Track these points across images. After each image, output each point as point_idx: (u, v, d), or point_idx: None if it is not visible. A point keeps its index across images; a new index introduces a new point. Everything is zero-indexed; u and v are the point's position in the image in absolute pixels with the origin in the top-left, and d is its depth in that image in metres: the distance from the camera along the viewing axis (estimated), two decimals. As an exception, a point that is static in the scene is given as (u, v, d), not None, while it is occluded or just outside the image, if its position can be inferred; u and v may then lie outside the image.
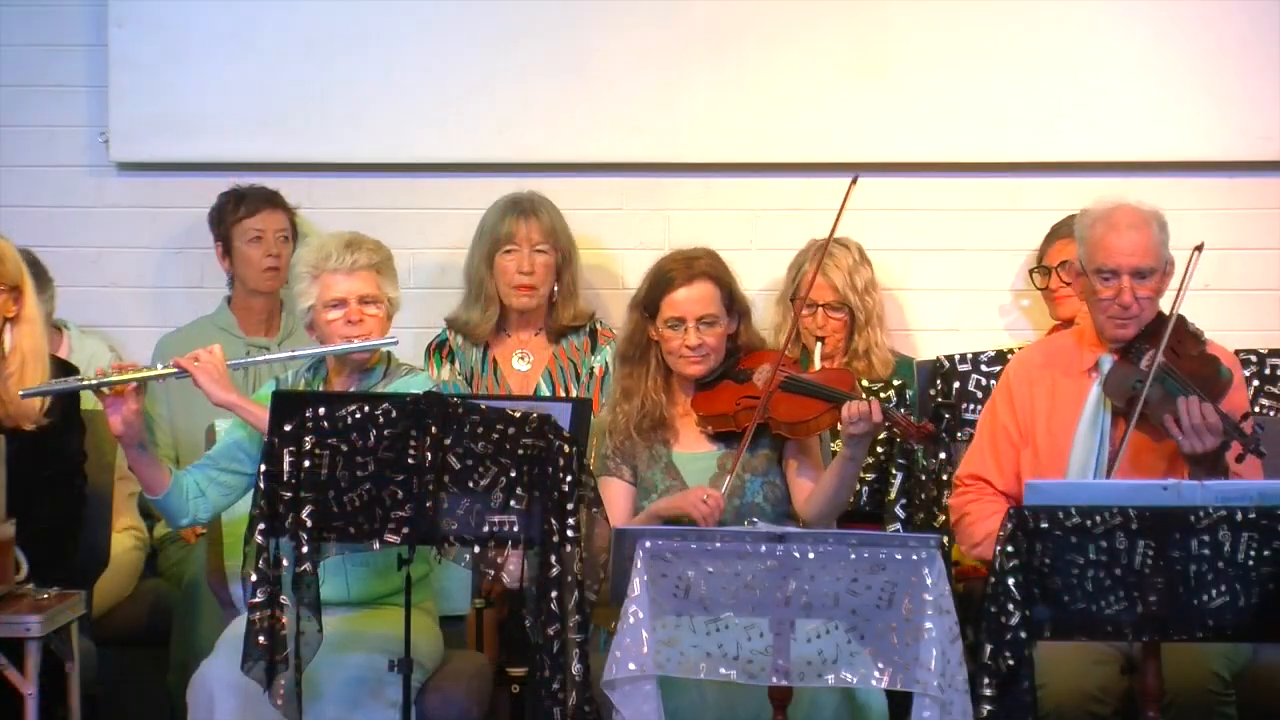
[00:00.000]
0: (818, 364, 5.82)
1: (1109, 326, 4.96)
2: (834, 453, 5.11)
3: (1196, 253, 4.87)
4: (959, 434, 5.61)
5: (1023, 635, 4.22)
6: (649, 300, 5.16)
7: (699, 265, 5.14)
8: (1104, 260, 4.92)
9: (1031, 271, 6.16)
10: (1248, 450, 4.71)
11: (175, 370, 4.95)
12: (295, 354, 5.13)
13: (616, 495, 5.06)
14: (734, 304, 5.17)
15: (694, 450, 5.14)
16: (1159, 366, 4.82)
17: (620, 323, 5.44)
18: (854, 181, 5.15)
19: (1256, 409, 5.74)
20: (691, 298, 5.10)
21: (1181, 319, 4.93)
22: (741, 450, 5.03)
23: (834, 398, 4.98)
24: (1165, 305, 4.96)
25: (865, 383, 5.80)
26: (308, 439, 4.35)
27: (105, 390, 4.84)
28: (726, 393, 5.13)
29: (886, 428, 5.04)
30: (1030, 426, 5.01)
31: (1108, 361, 4.97)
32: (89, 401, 5.10)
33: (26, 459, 4.87)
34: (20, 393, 4.93)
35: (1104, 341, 4.99)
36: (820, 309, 5.87)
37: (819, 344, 5.88)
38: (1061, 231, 5.97)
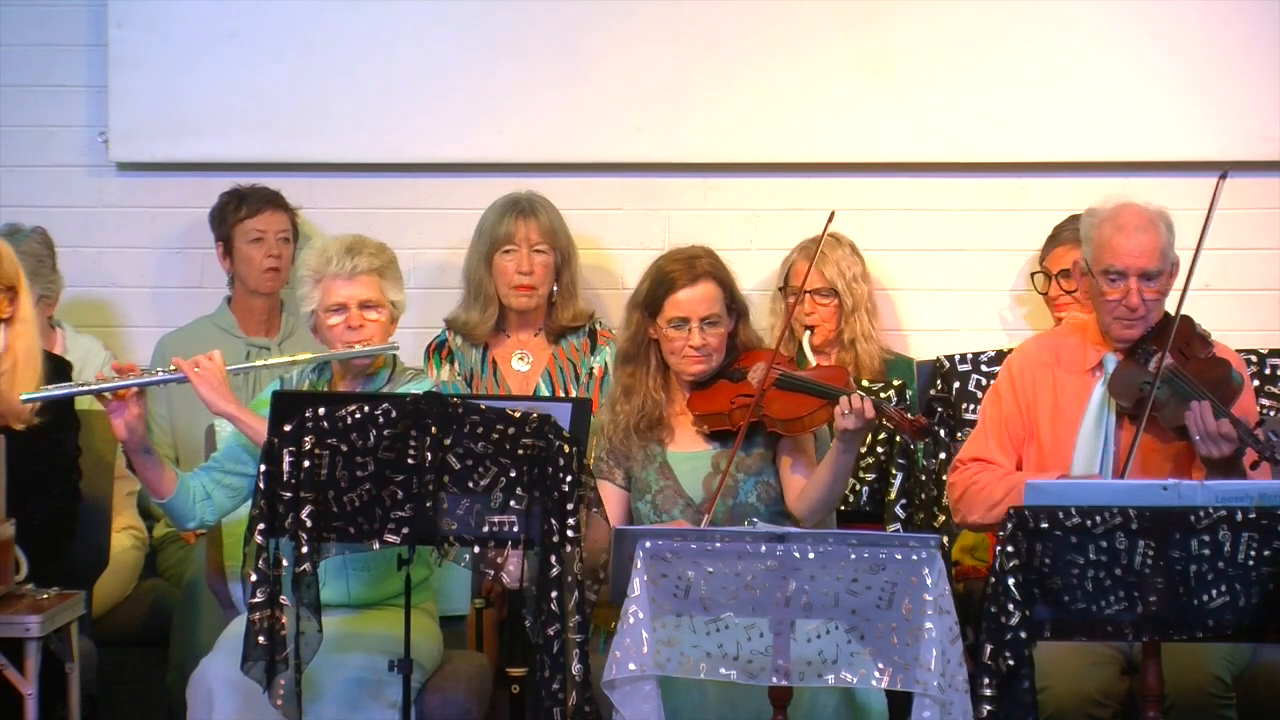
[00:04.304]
0: (808, 351, 5.85)
1: (1115, 327, 4.94)
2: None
3: (1222, 180, 4.82)
4: (959, 434, 5.60)
5: (1023, 635, 4.22)
6: (650, 300, 5.15)
7: (701, 265, 5.13)
8: (1111, 261, 4.90)
9: (1034, 274, 6.15)
10: (1263, 458, 4.68)
11: (175, 375, 4.93)
12: (295, 359, 5.13)
13: (607, 499, 5.02)
14: (734, 303, 5.17)
15: (688, 449, 5.14)
16: (1167, 368, 4.80)
17: (620, 323, 5.44)
18: (831, 217, 5.18)
19: (1257, 409, 5.73)
20: (695, 298, 5.10)
21: (1189, 320, 4.92)
22: (736, 448, 5.02)
23: (828, 394, 4.97)
24: (1170, 305, 4.96)
25: (865, 383, 5.80)
26: (308, 439, 4.35)
27: (107, 395, 4.84)
28: (722, 391, 5.12)
29: (881, 423, 5.04)
30: (1033, 420, 5.00)
31: (1111, 361, 4.95)
32: (84, 399, 5.09)
33: (20, 456, 4.85)
34: (22, 397, 4.91)
35: (1109, 342, 4.99)
36: (808, 295, 5.88)
37: (808, 333, 5.90)
38: (1063, 237, 5.95)
